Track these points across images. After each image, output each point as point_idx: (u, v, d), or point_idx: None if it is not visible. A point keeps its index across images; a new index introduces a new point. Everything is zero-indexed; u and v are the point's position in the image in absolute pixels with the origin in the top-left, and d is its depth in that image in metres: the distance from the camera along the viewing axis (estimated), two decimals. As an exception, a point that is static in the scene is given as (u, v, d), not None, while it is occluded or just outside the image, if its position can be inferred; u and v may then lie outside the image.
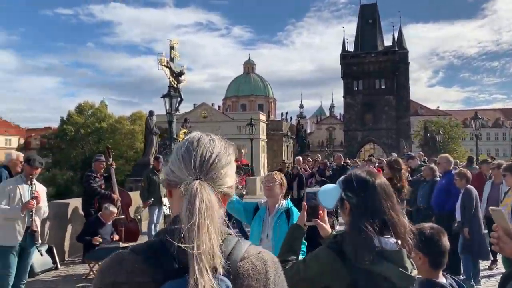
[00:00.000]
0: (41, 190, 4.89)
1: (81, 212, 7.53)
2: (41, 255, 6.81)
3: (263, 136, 74.71)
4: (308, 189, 2.01)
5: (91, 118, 63.89)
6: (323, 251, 1.72)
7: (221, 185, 1.12)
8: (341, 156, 11.77)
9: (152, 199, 8.46)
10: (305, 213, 2.01)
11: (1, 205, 4.54)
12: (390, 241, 1.65)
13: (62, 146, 61.84)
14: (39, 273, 6.63)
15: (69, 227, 7.51)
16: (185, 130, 18.68)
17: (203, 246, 0.97)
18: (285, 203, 3.46)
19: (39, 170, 4.87)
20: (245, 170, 9.01)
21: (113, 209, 6.86)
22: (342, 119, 78.52)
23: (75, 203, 7.68)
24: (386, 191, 1.72)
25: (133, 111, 69.77)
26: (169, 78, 16.87)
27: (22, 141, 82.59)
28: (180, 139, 17.98)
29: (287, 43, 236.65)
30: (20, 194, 4.62)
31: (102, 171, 7.57)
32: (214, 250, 0.99)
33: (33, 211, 4.61)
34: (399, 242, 1.67)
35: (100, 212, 6.86)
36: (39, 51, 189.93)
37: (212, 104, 79.20)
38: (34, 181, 4.85)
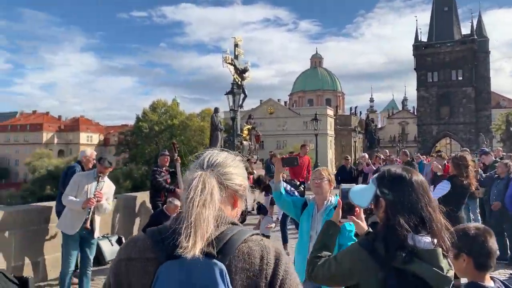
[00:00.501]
0: (109, 187, 5.19)
1: (148, 205, 7.92)
2: (111, 244, 7.31)
3: (330, 131, 73.61)
4: (344, 186, 1.98)
5: (164, 115, 66.88)
6: (355, 248, 1.70)
7: (228, 179, 1.23)
8: (407, 152, 11.25)
9: None
10: (340, 210, 1.99)
11: (69, 196, 4.93)
12: (425, 240, 1.59)
13: (137, 142, 65.32)
14: (110, 262, 7.09)
15: (137, 220, 7.94)
16: (249, 126, 18.91)
17: (197, 219, 1.09)
18: (333, 199, 3.41)
19: (108, 170, 5.17)
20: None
21: (177, 202, 7.11)
22: (415, 113, 75.08)
23: (143, 196, 8.10)
24: (423, 187, 1.66)
25: (202, 108, 72.08)
26: (233, 75, 17.18)
27: (102, 137, 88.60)
28: (244, 135, 18.26)
29: (356, 35, 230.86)
30: (87, 189, 4.93)
31: (167, 165, 7.91)
32: (207, 225, 1.09)
33: (91, 209, 4.88)
34: (435, 240, 1.60)
35: (165, 205, 7.17)
36: (117, 52, 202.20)
37: (278, 100, 79.38)
38: (105, 178, 5.15)
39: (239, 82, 17.54)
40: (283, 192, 3.61)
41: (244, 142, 17.51)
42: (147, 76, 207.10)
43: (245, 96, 18.23)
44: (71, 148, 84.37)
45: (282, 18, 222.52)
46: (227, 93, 13.56)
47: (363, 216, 2.01)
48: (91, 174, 5.15)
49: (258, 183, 8.20)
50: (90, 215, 4.87)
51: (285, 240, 7.51)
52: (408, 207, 1.60)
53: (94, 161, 6.53)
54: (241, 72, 17.63)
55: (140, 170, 61.94)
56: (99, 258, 7.09)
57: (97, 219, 5.11)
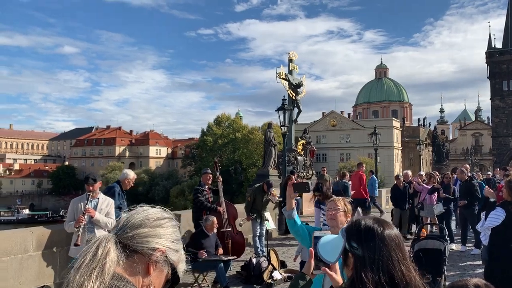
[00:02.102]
0: (106, 203, 5.35)
1: (191, 223, 8.02)
2: (155, 262, 7.45)
3: (397, 143, 70.83)
4: (316, 233, 1.79)
5: (227, 129, 68.28)
6: None
7: (139, 243, 1.11)
8: (464, 169, 10.39)
9: (255, 214, 8.74)
10: (312, 261, 1.80)
11: (69, 222, 5.19)
12: None
13: (202, 155, 67.10)
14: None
15: (181, 237, 8.07)
16: (303, 141, 18.69)
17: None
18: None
19: (95, 186, 5.27)
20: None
21: (213, 218, 7.14)
22: (490, 124, 70.16)
23: (187, 214, 8.22)
24: (396, 243, 1.45)
25: (265, 121, 72.71)
26: (287, 91, 17.14)
27: (169, 151, 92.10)
28: (298, 150, 18.07)
29: (424, 44, 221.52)
30: (80, 210, 5.16)
31: (209, 183, 7.98)
32: None
33: (81, 226, 5.00)
34: None
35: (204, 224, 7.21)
36: (185, 69, 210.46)
37: (342, 112, 77.90)
38: (100, 195, 5.35)
39: (293, 97, 17.46)
40: (298, 220, 3.43)
41: (299, 157, 17.33)
42: (214, 91, 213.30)
43: (300, 110, 18.12)
44: (141, 161, 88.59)
45: (346, 30, 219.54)
46: (278, 109, 13.51)
47: (338, 267, 1.80)
48: (84, 196, 5.31)
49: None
50: (80, 231, 5.00)
51: None
52: (377, 265, 1.41)
53: (133, 184, 6.72)
54: (295, 87, 17.56)
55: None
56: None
57: (102, 233, 5.13)
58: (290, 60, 17.96)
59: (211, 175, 8.01)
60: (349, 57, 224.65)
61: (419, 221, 10.88)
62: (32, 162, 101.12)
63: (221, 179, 7.94)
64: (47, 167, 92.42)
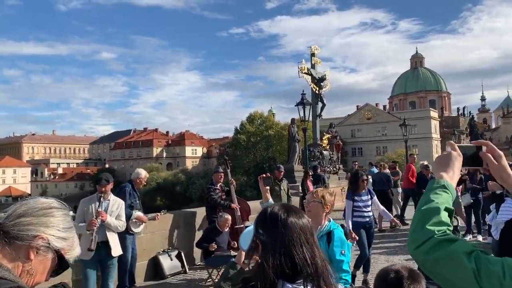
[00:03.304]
0: (116, 205, 5.26)
1: (206, 220, 8.12)
2: (171, 259, 7.60)
3: (435, 134, 68.75)
4: (250, 227, 1.82)
5: (260, 126, 68.42)
6: None
7: (20, 230, 1.19)
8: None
9: None
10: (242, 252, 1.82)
11: (78, 223, 4.97)
12: None
13: (237, 153, 67.60)
14: (169, 276, 7.38)
15: (197, 234, 8.18)
16: (328, 135, 18.46)
17: None
18: (328, 224, 3.15)
19: (108, 186, 5.15)
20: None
21: (228, 216, 7.21)
22: (535, 110, 66.73)
23: (202, 212, 8.32)
24: (302, 229, 1.47)
25: (298, 118, 72.27)
26: (310, 85, 16.99)
27: (205, 150, 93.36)
28: (324, 145, 17.87)
29: (463, 31, 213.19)
30: (91, 211, 5.03)
31: (221, 182, 8.05)
32: None
33: (94, 229, 4.92)
34: None
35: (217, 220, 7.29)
36: (218, 69, 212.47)
37: (377, 104, 76.34)
38: (111, 197, 5.23)
39: (317, 91, 17.29)
40: None
41: (324, 152, 17.14)
42: (247, 89, 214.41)
43: (324, 105, 17.92)
44: (178, 161, 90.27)
45: (379, 20, 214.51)
46: (297, 104, 13.41)
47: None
48: (94, 197, 5.20)
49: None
50: (94, 236, 4.91)
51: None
52: (280, 250, 1.42)
53: (145, 183, 6.87)
54: (318, 81, 17.38)
55: (239, 180, 63.94)
56: (159, 272, 7.43)
57: (113, 238, 5.17)
58: (313, 54, 17.78)
59: (222, 174, 8.07)
60: (384, 48, 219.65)
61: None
62: (75, 166, 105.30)
63: (234, 183, 8.04)
64: (88, 170, 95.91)
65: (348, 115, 75.24)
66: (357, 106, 76.90)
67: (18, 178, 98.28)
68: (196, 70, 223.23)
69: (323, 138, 18.08)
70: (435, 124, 69.89)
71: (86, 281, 5.02)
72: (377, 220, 10.07)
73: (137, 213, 6.29)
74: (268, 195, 3.50)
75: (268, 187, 3.43)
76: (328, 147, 17.81)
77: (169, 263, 7.49)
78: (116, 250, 5.21)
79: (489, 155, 1.41)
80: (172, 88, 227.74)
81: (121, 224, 5.25)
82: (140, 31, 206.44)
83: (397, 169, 13.54)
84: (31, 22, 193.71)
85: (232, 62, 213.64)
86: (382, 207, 6.91)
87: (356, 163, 17.70)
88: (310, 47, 17.83)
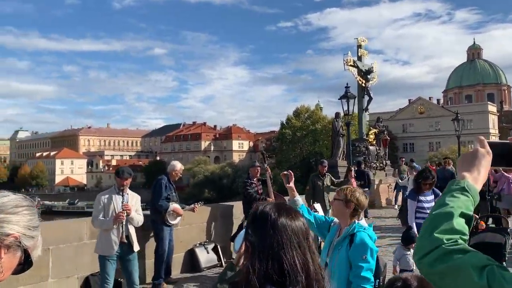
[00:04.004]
0: (135, 199, 5.18)
1: (242, 215, 8.06)
2: (207, 252, 7.61)
3: (493, 130, 65.08)
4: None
5: (307, 121, 67.74)
6: None
7: None
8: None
9: (318, 203, 8.48)
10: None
11: (98, 217, 4.94)
12: None
13: (282, 147, 67.40)
14: (205, 269, 7.39)
15: (234, 228, 8.15)
16: (375, 130, 17.86)
17: None
18: (352, 225, 2.92)
19: (129, 180, 5.07)
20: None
21: (263, 213, 7.10)
22: None
23: (240, 205, 8.27)
24: (294, 232, 1.32)
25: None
26: (356, 78, 16.50)
27: (251, 144, 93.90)
28: (370, 140, 17.31)
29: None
30: (114, 206, 4.91)
31: (258, 176, 7.94)
32: None
33: (123, 222, 4.91)
34: None
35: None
36: (266, 63, 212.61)
37: (430, 98, 73.32)
38: (128, 191, 5.10)
39: (363, 84, 16.77)
40: (304, 209, 3.27)
41: (370, 147, 16.61)
42: (295, 83, 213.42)
43: (370, 98, 17.36)
44: (225, 155, 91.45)
45: (434, 11, 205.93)
46: (340, 98, 13.03)
47: None
48: (113, 190, 5.12)
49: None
50: (123, 229, 4.88)
51: None
52: (267, 252, 1.29)
53: (181, 175, 6.88)
54: (365, 74, 16.84)
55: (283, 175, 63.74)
56: (195, 265, 7.46)
57: (133, 232, 5.11)
58: (359, 46, 17.24)
59: (259, 168, 7.96)
60: (439, 40, 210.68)
61: (496, 213, 9.87)
62: (127, 158, 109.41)
63: (269, 171, 7.86)
64: (140, 162, 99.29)
65: (400, 109, 72.80)
66: (409, 100, 74.23)
67: (75, 169, 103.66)
68: (243, 64, 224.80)
69: (370, 133, 17.53)
70: (493, 119, 66.20)
71: (107, 277, 4.95)
72: None
73: (174, 205, 6.33)
74: (295, 193, 3.33)
75: (291, 185, 3.27)
76: (374, 142, 17.24)
77: (205, 256, 7.50)
78: (136, 244, 5.14)
79: None
80: (220, 82, 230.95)
81: (141, 219, 5.19)
82: (190, 27, 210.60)
83: (452, 166, 12.88)
84: (88, 20, 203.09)
85: (280, 56, 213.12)
86: None
87: (403, 159, 17.00)
88: (357, 38, 17.31)
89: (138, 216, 5.12)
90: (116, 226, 4.89)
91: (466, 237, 1.08)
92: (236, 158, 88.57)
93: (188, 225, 7.47)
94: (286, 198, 8.34)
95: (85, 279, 5.88)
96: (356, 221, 2.91)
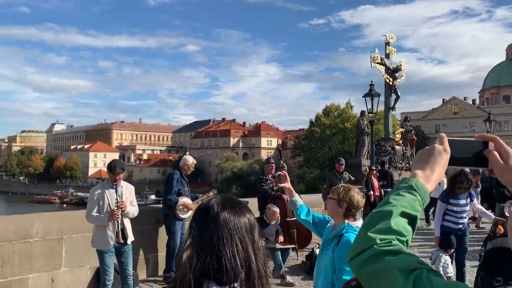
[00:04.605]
0: (129, 190, 5.17)
1: (257, 211, 8.02)
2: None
3: (533, 132, 62.42)
4: None
5: (337, 119, 66.95)
6: None
7: None
8: None
9: None
10: None
11: (92, 213, 4.91)
12: None
13: (311, 145, 66.92)
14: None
15: (247, 225, 8.14)
16: (402, 129, 17.43)
17: None
18: (342, 226, 2.82)
19: (121, 175, 5.04)
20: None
21: (276, 209, 7.05)
22: None
23: (255, 202, 8.23)
24: (237, 227, 1.27)
25: (378, 110, 69.60)
26: (383, 76, 16.15)
27: (280, 141, 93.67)
28: (396, 139, 16.91)
29: None
30: (108, 200, 4.89)
31: (273, 172, 7.88)
32: None
33: (119, 220, 4.86)
34: None
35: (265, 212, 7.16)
36: (298, 61, 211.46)
37: (465, 98, 71.04)
38: (122, 183, 5.09)
39: (391, 83, 16.40)
40: (303, 209, 3.22)
41: (397, 147, 16.23)
42: (326, 81, 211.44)
43: (398, 97, 16.94)
44: (254, 152, 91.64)
45: (473, 8, 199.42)
46: (364, 96, 12.76)
47: None
48: (106, 184, 5.08)
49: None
50: (118, 227, 4.87)
51: None
52: (205, 248, 1.25)
53: (193, 169, 6.90)
54: (392, 72, 16.46)
55: (312, 173, 63.27)
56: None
57: (128, 225, 5.10)
58: (387, 43, 16.85)
59: (274, 165, 7.91)
60: (477, 38, 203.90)
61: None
62: (158, 153, 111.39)
63: (286, 167, 7.78)
64: (170, 157, 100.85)
65: (433, 109, 70.95)
66: (443, 100, 72.20)
67: (107, 162, 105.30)
68: (275, 62, 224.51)
69: (396, 132, 17.14)
70: (533, 121, 63.50)
71: (107, 270, 4.99)
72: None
73: (183, 200, 6.35)
74: (293, 192, 3.29)
75: (287, 185, 3.22)
76: (401, 142, 16.83)
77: (218, 252, 7.51)
78: (130, 236, 5.13)
79: (496, 153, 1.11)
80: (252, 80, 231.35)
81: (136, 210, 5.18)
82: (224, 24, 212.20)
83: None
84: (124, 17, 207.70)
85: (311, 54, 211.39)
86: (480, 207, 6.52)
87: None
88: (385, 35, 16.91)
89: (132, 208, 5.10)
90: (111, 222, 4.88)
91: (405, 238, 1.00)
92: (264, 155, 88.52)
93: (202, 220, 7.50)
94: (306, 196, 8.27)
95: (96, 269, 6.00)
96: (346, 221, 2.81)
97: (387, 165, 12.96)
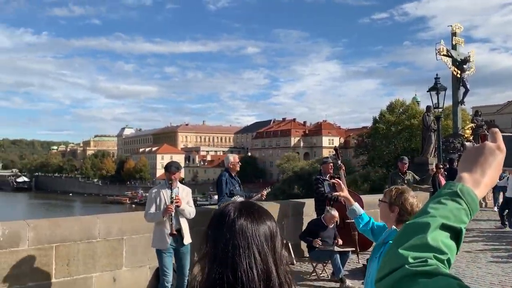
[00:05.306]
0: (185, 192, 5.30)
1: (314, 212, 7.81)
2: (278, 249, 7.51)
3: None
4: None
5: (402, 115, 64.35)
6: None
7: None
8: None
9: None
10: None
11: (150, 211, 5.08)
12: None
13: (375, 143, 64.85)
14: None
15: (304, 227, 7.93)
16: (472, 125, 16.27)
17: None
18: (389, 231, 2.57)
19: (177, 174, 5.18)
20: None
21: (334, 213, 6.81)
22: None
23: (312, 203, 8.03)
24: (255, 235, 1.13)
25: (446, 105, 66.04)
26: (450, 68, 15.21)
27: (342, 140, 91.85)
28: (466, 135, 15.79)
29: None
30: (164, 199, 5.03)
31: (331, 172, 7.63)
32: None
33: (172, 215, 4.96)
34: None
35: (323, 214, 6.94)
36: (359, 57, 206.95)
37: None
38: (178, 184, 5.22)
39: (458, 75, 15.40)
40: (364, 219, 3.01)
41: (467, 144, 15.07)
42: (390, 77, 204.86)
43: (467, 90, 15.87)
44: (315, 151, 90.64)
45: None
46: (429, 90, 12.04)
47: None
48: (163, 184, 5.27)
49: None
50: (173, 221, 4.93)
51: None
52: (220, 258, 1.13)
53: (240, 164, 6.76)
54: (460, 64, 15.44)
55: (377, 173, 61.30)
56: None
57: (185, 226, 5.14)
58: (454, 34, 15.80)
59: (332, 164, 7.65)
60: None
61: None
62: (221, 154, 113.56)
63: (343, 167, 7.51)
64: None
65: (508, 102, 66.01)
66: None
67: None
68: (336, 59, 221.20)
69: (466, 128, 16.03)
70: None
71: (166, 270, 5.07)
72: None
73: (238, 200, 6.30)
74: (351, 201, 3.10)
75: (344, 193, 3.05)
76: (471, 138, 15.71)
77: (275, 253, 7.40)
78: (187, 237, 5.18)
79: None
80: (312, 78, 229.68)
81: (193, 211, 5.22)
82: (282, 25, 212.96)
83: None
84: (186, 23, 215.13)
85: (374, 49, 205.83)
86: None
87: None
88: (451, 26, 15.86)
89: (189, 208, 5.18)
90: (167, 219, 4.99)
91: (445, 256, 0.82)
92: (326, 154, 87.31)
93: (258, 221, 7.44)
94: (366, 196, 7.94)
95: (156, 270, 6.12)
96: (394, 227, 2.57)
97: (456, 163, 12.13)
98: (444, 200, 0.88)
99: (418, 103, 69.21)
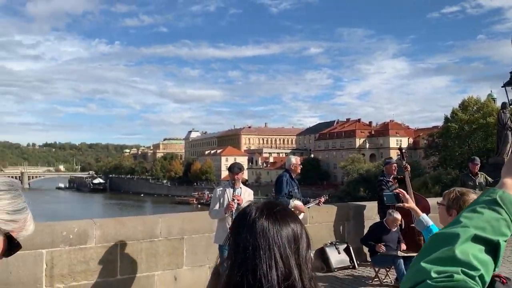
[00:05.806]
0: (247, 193, 5.56)
1: (377, 215, 7.52)
2: (338, 252, 7.33)
3: None
4: None
5: (476, 113, 60.66)
6: None
7: None
8: None
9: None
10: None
11: (214, 208, 5.44)
12: None
13: (447, 143, 61.68)
14: (336, 270, 7.10)
15: (366, 230, 7.66)
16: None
17: None
18: None
19: (240, 174, 5.50)
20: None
21: (397, 215, 6.51)
22: None
23: (374, 206, 7.73)
24: (277, 237, 1.07)
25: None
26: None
27: (411, 141, 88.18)
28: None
29: None
30: (227, 198, 5.35)
31: (395, 174, 7.30)
32: None
33: (233, 211, 5.14)
34: None
35: (385, 218, 6.66)
36: (428, 53, 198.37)
37: None
38: (241, 185, 5.54)
39: (539, 68, 14.12)
40: (432, 230, 2.79)
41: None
42: (463, 73, 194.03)
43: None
44: (382, 152, 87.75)
45: None
46: (505, 85, 11.15)
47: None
48: (226, 184, 5.61)
49: None
50: (233, 216, 5.08)
51: None
52: (240, 259, 1.08)
53: (301, 167, 6.72)
54: (541, 55, 14.14)
55: (449, 174, 58.20)
56: (325, 264, 7.23)
57: None
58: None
59: (396, 165, 7.33)
60: None
61: None
62: (283, 155, 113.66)
63: (409, 168, 7.14)
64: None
65: None
66: None
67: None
68: (403, 56, 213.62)
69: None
70: None
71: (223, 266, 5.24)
72: None
73: (295, 203, 6.23)
74: (418, 211, 2.83)
75: (410, 205, 2.84)
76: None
77: (336, 256, 7.24)
78: None
79: None
80: (377, 77, 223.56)
81: None
82: (346, 23, 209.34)
83: None
84: (249, 27, 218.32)
85: (444, 45, 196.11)
86: None
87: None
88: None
89: None
90: (228, 216, 5.22)
91: (477, 272, 0.71)
92: (394, 155, 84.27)
93: (318, 223, 7.33)
94: (433, 199, 7.52)
95: (214, 267, 6.21)
96: None
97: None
98: (480, 209, 0.77)
99: (494, 100, 64.77)
